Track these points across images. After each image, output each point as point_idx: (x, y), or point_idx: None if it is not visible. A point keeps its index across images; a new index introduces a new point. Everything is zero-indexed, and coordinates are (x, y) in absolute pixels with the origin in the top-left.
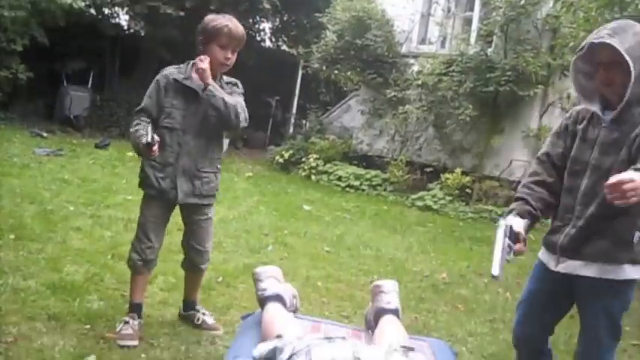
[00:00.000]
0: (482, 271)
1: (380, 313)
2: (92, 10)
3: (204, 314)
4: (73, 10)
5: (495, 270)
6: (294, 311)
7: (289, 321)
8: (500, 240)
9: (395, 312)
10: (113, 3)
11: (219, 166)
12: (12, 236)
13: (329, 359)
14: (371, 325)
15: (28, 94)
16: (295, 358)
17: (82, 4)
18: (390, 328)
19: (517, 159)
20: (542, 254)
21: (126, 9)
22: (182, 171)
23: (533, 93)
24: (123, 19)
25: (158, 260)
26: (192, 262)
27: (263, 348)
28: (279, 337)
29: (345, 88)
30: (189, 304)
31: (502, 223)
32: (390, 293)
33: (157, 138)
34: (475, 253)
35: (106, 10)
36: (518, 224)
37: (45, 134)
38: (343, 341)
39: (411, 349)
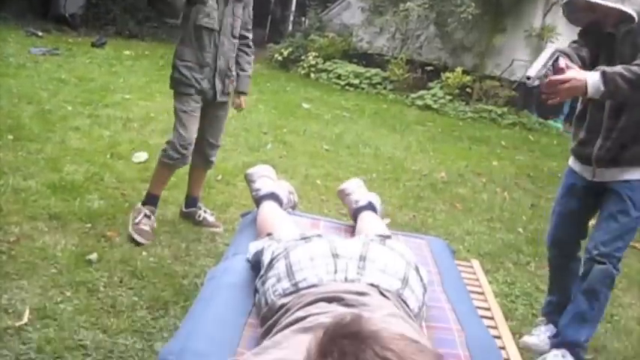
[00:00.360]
0: (480, 171)
1: (355, 213)
2: None
3: (205, 212)
4: None
5: (532, 71)
6: (293, 207)
7: (283, 219)
8: (545, 57)
9: (366, 207)
10: None
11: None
12: (10, 137)
13: (307, 259)
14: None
15: None
16: (275, 262)
17: None
18: (364, 225)
19: (519, 59)
20: (575, 165)
21: None
22: (218, 71)
23: None
24: None
25: (155, 159)
26: (205, 156)
27: (252, 249)
28: (269, 235)
29: None
30: (191, 201)
31: (554, 47)
32: (354, 193)
33: None
34: (474, 153)
35: None
36: (563, 60)
37: (40, 33)
38: (320, 239)
39: (388, 237)
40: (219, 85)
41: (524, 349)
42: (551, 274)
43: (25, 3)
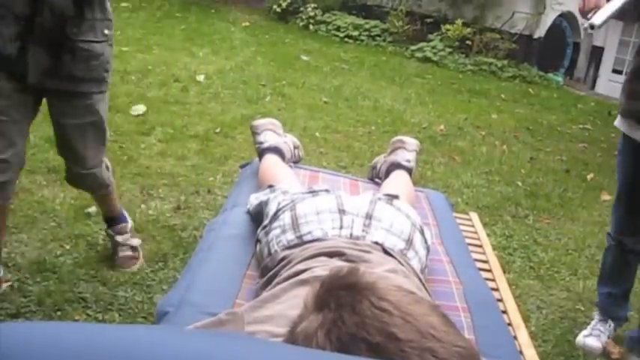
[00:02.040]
0: (479, 124)
1: (395, 166)
2: None
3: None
4: None
5: (597, 19)
6: (297, 161)
7: (284, 171)
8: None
9: (409, 170)
10: None
11: (107, 33)
12: None
13: (313, 213)
14: (378, 176)
15: None
16: (280, 214)
17: None
18: (399, 182)
19: (519, 11)
20: (632, 131)
21: None
22: (38, 29)
23: None
24: None
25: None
26: (76, 177)
27: (253, 200)
28: (270, 187)
29: None
30: (108, 221)
31: None
32: (412, 152)
33: None
34: (473, 106)
35: None
36: None
37: None
38: (327, 194)
39: (395, 196)
40: (38, 58)
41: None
42: (613, 264)
43: None
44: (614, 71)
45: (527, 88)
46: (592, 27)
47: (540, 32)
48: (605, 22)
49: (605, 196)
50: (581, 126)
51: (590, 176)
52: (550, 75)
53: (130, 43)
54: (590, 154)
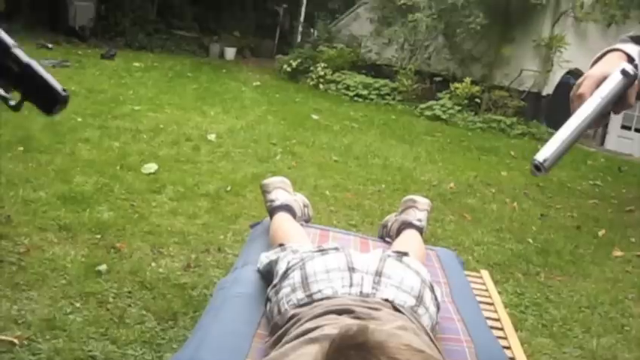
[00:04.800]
0: (489, 181)
1: (406, 225)
2: None
3: None
4: None
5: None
6: (307, 220)
7: (295, 229)
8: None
9: (420, 230)
10: None
11: None
12: (21, 148)
13: (323, 271)
14: (389, 234)
15: (32, 4)
16: (290, 272)
17: None
18: (410, 240)
19: (527, 69)
20: None
21: None
22: None
23: (545, 1)
24: None
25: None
26: None
27: (264, 258)
28: (281, 245)
29: None
30: None
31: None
32: (423, 212)
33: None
34: (483, 163)
35: None
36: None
37: (50, 45)
38: (336, 252)
39: (405, 253)
40: None
41: None
42: None
43: (35, 15)
44: (623, 127)
45: (536, 145)
46: (538, 169)
47: (548, 89)
48: (557, 160)
49: (617, 253)
50: (591, 182)
51: (601, 232)
52: None
53: (142, 102)
54: (601, 210)
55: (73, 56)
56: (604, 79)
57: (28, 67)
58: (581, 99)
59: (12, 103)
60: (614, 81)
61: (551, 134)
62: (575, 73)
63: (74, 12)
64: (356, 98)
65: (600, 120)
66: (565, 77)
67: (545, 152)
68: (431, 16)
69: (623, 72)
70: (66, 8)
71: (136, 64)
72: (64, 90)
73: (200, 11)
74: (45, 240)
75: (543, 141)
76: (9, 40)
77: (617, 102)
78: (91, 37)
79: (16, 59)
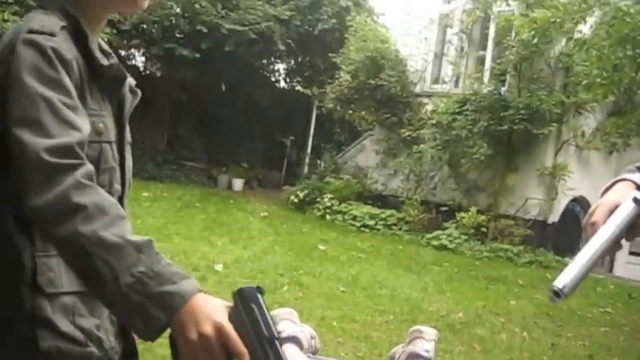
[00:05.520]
0: (498, 311)
1: (413, 357)
2: None
3: None
4: None
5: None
6: (314, 352)
7: None
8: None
9: None
10: (129, 45)
11: None
12: None
13: None
14: None
15: None
16: None
17: None
18: None
19: (532, 197)
20: None
21: (142, 51)
22: None
23: (547, 131)
24: (139, 60)
25: None
26: None
27: None
28: None
29: (359, 128)
30: None
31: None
32: (430, 342)
33: None
34: (491, 293)
35: (123, 52)
36: None
37: None
38: None
39: None
40: None
41: None
42: None
43: None
44: (632, 253)
45: (544, 273)
46: (557, 295)
47: (554, 217)
48: (576, 286)
49: None
50: (601, 309)
51: None
52: (567, 259)
53: (149, 232)
54: (613, 338)
55: None
56: (616, 207)
57: None
58: (594, 227)
59: None
60: (627, 209)
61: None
62: (580, 201)
63: None
64: (363, 229)
65: (614, 247)
66: (570, 205)
67: (564, 279)
68: (436, 147)
69: (635, 200)
70: None
71: (145, 193)
72: None
73: (209, 142)
74: None
75: (551, 269)
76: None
77: (630, 229)
78: None
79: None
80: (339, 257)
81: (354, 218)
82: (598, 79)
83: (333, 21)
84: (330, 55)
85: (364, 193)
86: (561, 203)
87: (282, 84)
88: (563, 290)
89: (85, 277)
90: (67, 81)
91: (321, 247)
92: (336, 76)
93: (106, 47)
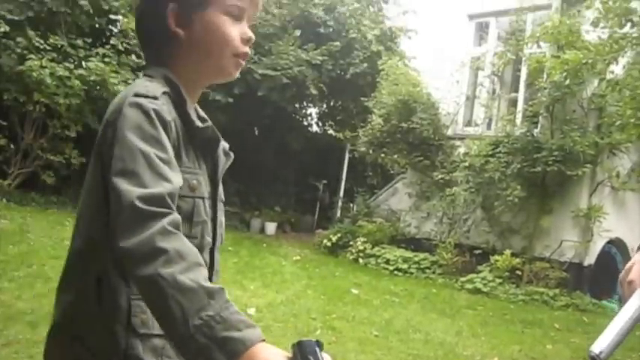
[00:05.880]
0: (534, 355)
1: None
2: None
3: None
4: None
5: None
6: None
7: None
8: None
9: None
10: None
11: None
12: None
13: None
14: None
15: (81, 178)
16: None
17: None
18: None
19: (567, 239)
20: None
21: None
22: None
23: (581, 172)
24: None
25: None
26: None
27: None
28: None
29: (391, 171)
30: None
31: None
32: None
33: None
34: (527, 337)
35: None
36: None
37: None
38: None
39: None
40: None
41: None
42: None
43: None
44: None
45: (581, 317)
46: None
47: (590, 259)
48: (613, 351)
49: None
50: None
51: None
52: (604, 302)
53: None
54: None
55: None
56: None
57: None
58: (632, 286)
59: None
60: None
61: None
62: (617, 243)
63: None
64: (396, 272)
65: None
66: (606, 247)
67: (601, 344)
68: (469, 189)
69: None
70: None
71: None
72: None
73: (242, 186)
74: None
75: (588, 312)
76: None
77: None
78: None
79: None
80: (372, 301)
81: (387, 262)
82: (632, 120)
83: (365, 65)
84: (362, 98)
85: (397, 237)
86: (597, 245)
87: (315, 128)
88: (601, 356)
89: (159, 316)
90: (164, 139)
91: (354, 291)
92: (368, 120)
93: (202, 113)
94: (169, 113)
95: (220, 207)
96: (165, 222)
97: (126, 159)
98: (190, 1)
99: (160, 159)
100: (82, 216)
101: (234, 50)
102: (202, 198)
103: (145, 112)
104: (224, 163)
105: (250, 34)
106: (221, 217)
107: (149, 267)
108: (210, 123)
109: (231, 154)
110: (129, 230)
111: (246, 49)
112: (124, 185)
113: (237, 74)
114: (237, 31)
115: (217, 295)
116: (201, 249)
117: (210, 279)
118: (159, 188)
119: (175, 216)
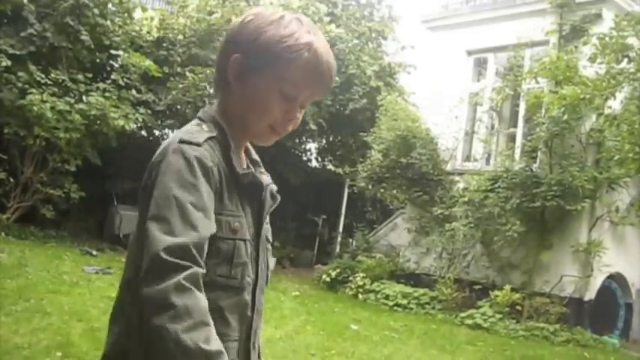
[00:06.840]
0: None
1: None
2: (143, 132)
3: None
4: (125, 132)
5: None
6: None
7: None
8: None
9: None
10: (163, 125)
11: None
12: (59, 354)
13: None
14: None
15: (80, 212)
16: None
17: (134, 126)
18: None
19: (567, 274)
20: None
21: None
22: None
23: (580, 207)
24: None
25: None
26: None
27: None
28: None
29: (391, 207)
30: None
31: None
32: None
33: None
34: None
35: (157, 132)
36: None
37: (95, 252)
38: None
39: None
40: None
41: None
42: None
43: (82, 223)
44: None
45: (582, 352)
46: None
47: (590, 295)
48: None
49: None
50: None
51: None
52: (605, 338)
53: None
54: None
55: (117, 263)
56: None
57: None
58: None
59: None
60: None
61: (596, 340)
62: (617, 278)
63: (119, 221)
64: (395, 308)
65: None
66: (607, 282)
67: None
68: (468, 224)
69: None
70: (112, 217)
71: None
72: None
73: None
74: None
75: (589, 347)
76: None
77: None
78: None
79: None
80: (372, 337)
81: (387, 297)
82: (630, 154)
83: (364, 101)
84: (361, 134)
85: (397, 272)
86: (597, 280)
87: (314, 163)
88: None
89: None
90: (203, 186)
91: (354, 327)
92: (368, 155)
93: (255, 156)
94: (213, 158)
95: (263, 248)
96: (182, 276)
97: (160, 205)
98: (252, 62)
99: (195, 207)
100: (132, 247)
101: (271, 122)
102: (244, 240)
103: (186, 159)
104: (270, 205)
105: (297, 116)
106: (265, 258)
107: (158, 318)
108: (252, 170)
109: (278, 197)
110: (150, 279)
111: (286, 127)
112: (155, 231)
113: (274, 140)
114: (282, 108)
115: (215, 357)
116: (241, 289)
117: (251, 319)
118: (186, 238)
119: (195, 270)
